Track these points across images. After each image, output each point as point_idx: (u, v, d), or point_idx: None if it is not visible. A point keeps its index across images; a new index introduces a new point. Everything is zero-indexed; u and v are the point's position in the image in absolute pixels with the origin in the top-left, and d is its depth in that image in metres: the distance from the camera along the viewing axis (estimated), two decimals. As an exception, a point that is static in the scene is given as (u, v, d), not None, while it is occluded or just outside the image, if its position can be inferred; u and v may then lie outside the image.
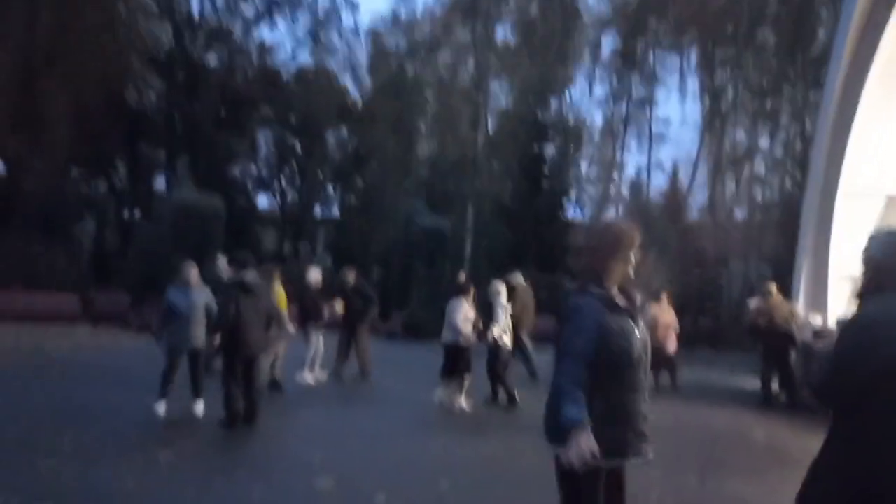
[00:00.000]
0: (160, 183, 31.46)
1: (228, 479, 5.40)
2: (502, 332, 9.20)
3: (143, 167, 31.31)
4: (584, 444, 2.62)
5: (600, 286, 2.94)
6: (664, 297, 11.75)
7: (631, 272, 3.01)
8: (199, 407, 7.92)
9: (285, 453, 6.40)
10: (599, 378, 2.81)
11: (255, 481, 5.30)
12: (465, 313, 8.97)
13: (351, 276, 11.46)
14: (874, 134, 11.34)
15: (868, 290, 2.52)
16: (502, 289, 9.52)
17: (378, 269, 28.51)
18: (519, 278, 11.60)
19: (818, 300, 12.05)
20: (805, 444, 7.68)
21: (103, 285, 20.51)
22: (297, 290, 10.85)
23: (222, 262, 9.07)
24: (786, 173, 31.46)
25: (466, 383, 9.02)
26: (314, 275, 11.07)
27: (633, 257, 3.00)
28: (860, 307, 2.52)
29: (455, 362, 8.97)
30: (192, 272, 8.19)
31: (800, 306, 11.33)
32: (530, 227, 28.99)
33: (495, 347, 9.21)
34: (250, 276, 7.84)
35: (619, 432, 2.84)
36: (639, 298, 3.12)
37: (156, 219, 21.07)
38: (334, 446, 6.62)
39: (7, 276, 18.80)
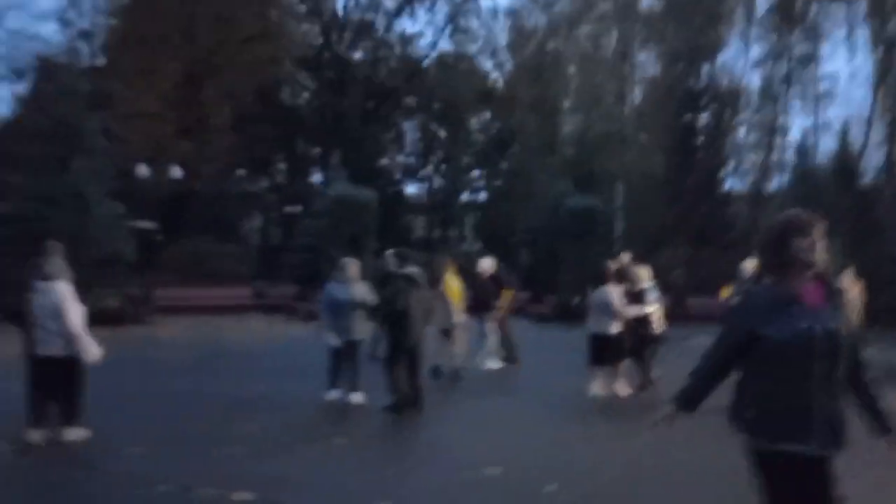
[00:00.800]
0: (317, 177, 33.05)
1: (400, 466, 5.56)
2: (653, 316, 8.81)
3: (300, 163, 33.07)
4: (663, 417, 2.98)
5: (779, 278, 2.83)
6: (847, 273, 10.76)
7: (821, 260, 2.82)
8: (357, 397, 8.16)
9: (451, 441, 6.50)
10: (760, 365, 2.78)
11: (425, 468, 5.41)
12: (612, 301, 8.61)
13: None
14: None
15: None
16: (647, 272, 9.12)
17: (525, 251, 28.38)
18: (626, 257, 11.13)
19: None
20: None
21: (271, 277, 21.89)
22: (469, 278, 10.98)
23: (390, 256, 9.28)
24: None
25: (620, 371, 8.73)
26: (486, 263, 11.17)
27: (816, 244, 2.80)
28: None
29: (602, 352, 8.65)
30: (351, 268, 8.48)
31: None
32: (685, 202, 27.68)
33: (644, 333, 8.82)
34: (414, 269, 8.10)
35: (783, 419, 2.72)
36: (836, 286, 2.95)
37: (315, 212, 22.15)
38: (497, 434, 6.64)
39: (185, 272, 20.56)
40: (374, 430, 7.25)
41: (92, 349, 6.19)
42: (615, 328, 8.59)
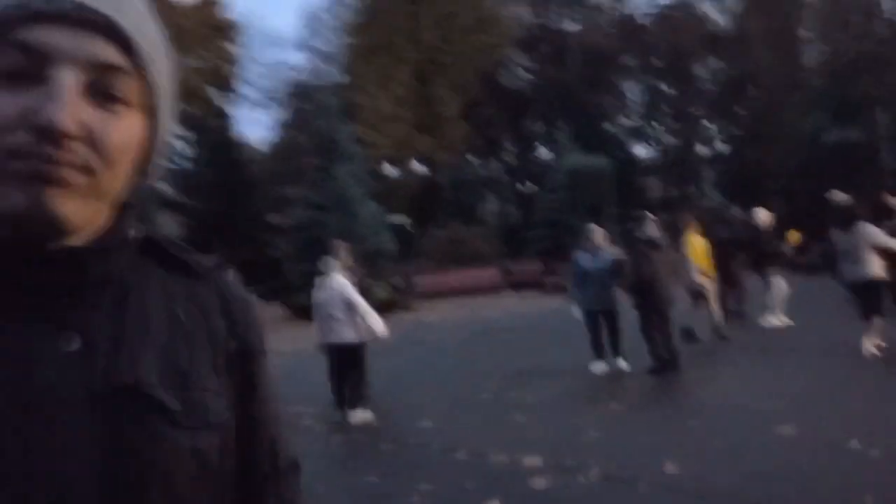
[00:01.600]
0: (545, 153, 33.43)
1: (682, 426, 5.64)
2: None
3: (528, 141, 33.62)
4: None
5: None
6: None
7: None
8: (622, 363, 8.26)
9: (733, 400, 6.42)
10: None
11: (709, 428, 5.45)
12: (871, 241, 7.56)
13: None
14: None
15: None
16: None
17: (778, 200, 26.30)
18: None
19: None
20: None
21: (516, 255, 22.66)
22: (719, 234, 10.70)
23: (651, 223, 9.12)
24: None
25: (879, 324, 7.66)
26: (762, 215, 10.72)
27: None
28: None
29: (866, 301, 7.62)
30: (598, 234, 8.52)
31: None
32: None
33: None
34: (654, 231, 8.06)
35: None
36: None
37: (549, 187, 22.49)
38: (775, 393, 6.43)
39: (438, 258, 22.02)
40: (645, 394, 7.36)
41: (380, 325, 6.92)
42: (874, 274, 7.56)
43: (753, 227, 10.65)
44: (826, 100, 24.41)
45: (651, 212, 11.49)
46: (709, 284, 9.55)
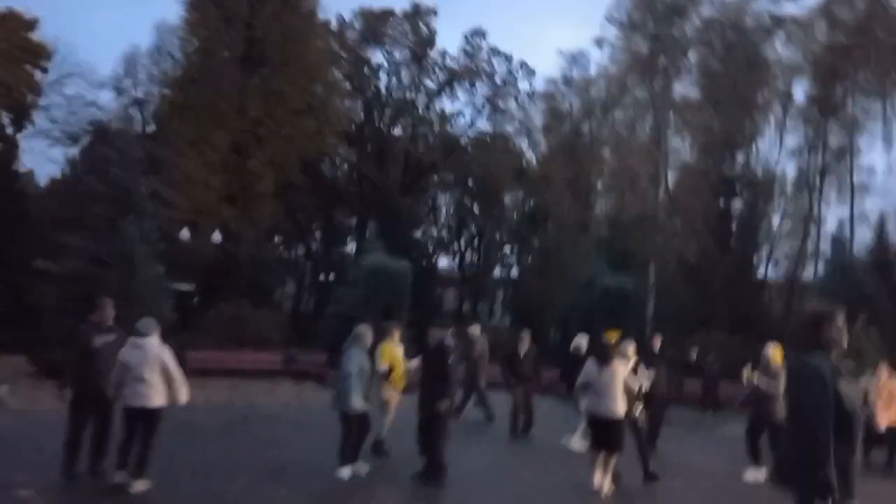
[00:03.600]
0: (352, 247, 33.71)
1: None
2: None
3: (336, 233, 33.77)
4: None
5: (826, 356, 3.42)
6: (884, 366, 10.61)
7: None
8: (345, 472, 7.85)
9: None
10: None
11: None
12: (620, 380, 7.89)
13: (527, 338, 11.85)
14: None
15: None
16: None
17: (555, 329, 28.28)
18: (476, 329, 12.70)
19: None
20: None
21: (302, 343, 22.09)
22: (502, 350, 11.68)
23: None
24: None
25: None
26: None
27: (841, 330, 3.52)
28: None
29: (607, 437, 7.81)
30: (367, 336, 8.39)
31: None
32: (719, 287, 27.54)
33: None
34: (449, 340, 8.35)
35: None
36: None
37: (349, 281, 22.50)
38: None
39: (221, 335, 20.90)
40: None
41: (185, 393, 6.95)
42: (622, 410, 7.85)
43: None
44: (606, 248, 27.14)
45: (443, 321, 11.92)
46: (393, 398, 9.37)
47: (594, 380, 7.91)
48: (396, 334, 9.40)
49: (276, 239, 31.94)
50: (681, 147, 31.96)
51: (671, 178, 32.08)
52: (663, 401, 10.72)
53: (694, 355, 17.63)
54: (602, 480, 7.83)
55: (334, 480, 7.73)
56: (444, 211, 37.84)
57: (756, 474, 8.41)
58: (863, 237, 29.24)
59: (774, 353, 8.79)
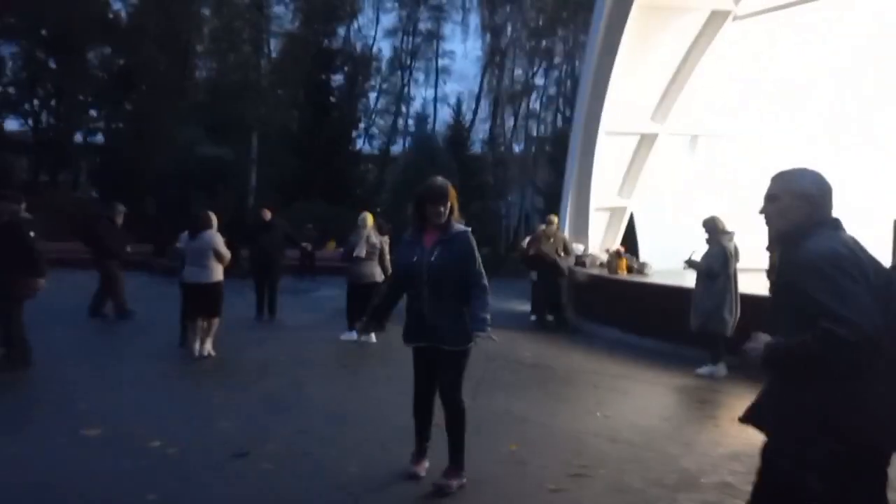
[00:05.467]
0: None
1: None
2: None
3: None
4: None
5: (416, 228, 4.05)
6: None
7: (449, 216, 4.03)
8: None
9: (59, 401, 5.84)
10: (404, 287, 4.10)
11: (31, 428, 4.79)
12: (217, 246, 8.06)
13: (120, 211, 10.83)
14: (631, 77, 12.36)
15: (807, 228, 2.29)
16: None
17: (151, 200, 26.55)
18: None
19: (580, 229, 13.20)
20: (567, 361, 8.51)
21: None
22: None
23: None
24: (558, 110, 33.67)
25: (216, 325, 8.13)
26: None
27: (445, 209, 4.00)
28: (800, 244, 2.28)
29: (206, 303, 7.97)
30: None
31: (566, 235, 12.24)
32: (319, 158, 28.47)
33: None
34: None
35: (408, 325, 4.14)
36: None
37: None
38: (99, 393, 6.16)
39: None
40: None
41: None
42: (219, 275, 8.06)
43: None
44: (206, 115, 25.81)
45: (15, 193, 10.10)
46: None
47: (187, 249, 8.10)
48: None
49: None
50: (283, 16, 31.40)
51: (273, 45, 31.51)
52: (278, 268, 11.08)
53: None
54: (203, 347, 7.88)
55: None
56: (10, 64, 31.56)
57: (350, 335, 9.12)
58: (444, 116, 32.77)
59: (367, 221, 9.38)
